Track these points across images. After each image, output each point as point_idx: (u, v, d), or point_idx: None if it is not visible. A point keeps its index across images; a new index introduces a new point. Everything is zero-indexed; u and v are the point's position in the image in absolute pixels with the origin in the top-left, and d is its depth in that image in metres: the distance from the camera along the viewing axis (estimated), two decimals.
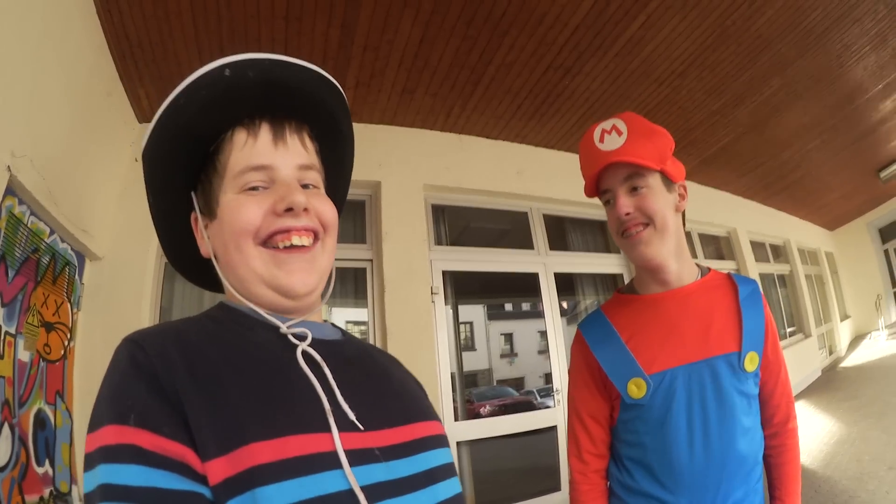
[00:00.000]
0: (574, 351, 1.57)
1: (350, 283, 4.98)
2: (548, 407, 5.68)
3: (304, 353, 0.85)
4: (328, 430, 0.75)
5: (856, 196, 15.43)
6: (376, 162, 5.04)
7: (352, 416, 0.80)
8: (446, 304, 5.19)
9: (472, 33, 4.24)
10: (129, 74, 3.91)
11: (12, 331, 2.46)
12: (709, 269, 1.59)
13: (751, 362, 1.40)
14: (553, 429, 5.39)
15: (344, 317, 5.44)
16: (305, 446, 0.71)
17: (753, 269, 10.12)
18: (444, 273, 5.18)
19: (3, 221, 2.40)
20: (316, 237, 0.93)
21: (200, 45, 3.78)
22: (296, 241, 0.89)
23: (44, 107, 2.65)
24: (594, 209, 6.60)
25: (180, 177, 0.96)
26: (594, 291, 6.73)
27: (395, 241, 4.88)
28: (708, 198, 9.52)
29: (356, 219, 5.11)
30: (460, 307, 5.39)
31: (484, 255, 5.53)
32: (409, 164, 5.20)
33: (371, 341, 4.47)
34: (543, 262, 5.84)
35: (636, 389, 1.39)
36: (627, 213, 1.42)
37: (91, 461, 0.65)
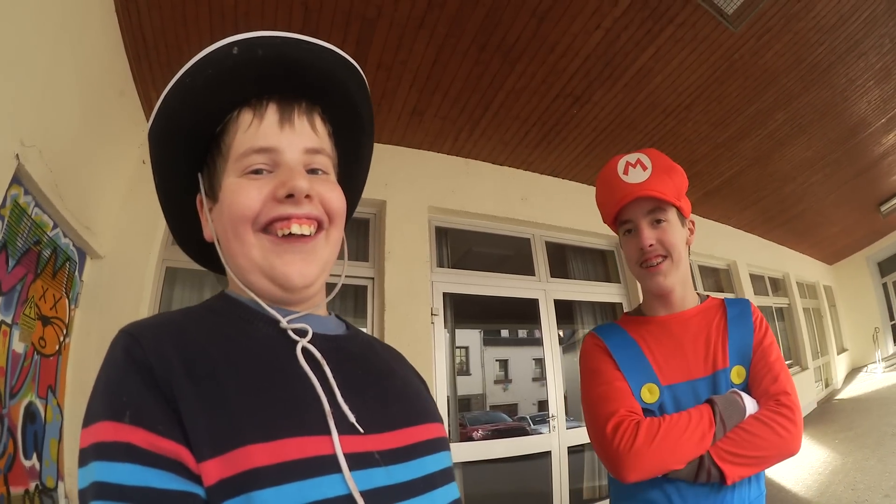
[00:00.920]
0: (590, 352, 1.67)
1: (350, 301, 5.07)
2: (541, 433, 5.78)
3: (304, 351, 0.83)
4: (328, 432, 0.74)
5: (856, 230, 15.64)
6: (383, 181, 5.15)
7: (352, 418, 0.78)
8: (445, 326, 5.29)
9: (485, 58, 4.41)
10: (143, 76, 3.99)
11: (9, 320, 2.45)
12: (707, 297, 1.75)
13: (737, 376, 1.52)
14: (547, 454, 5.49)
15: None
16: (304, 449, 0.70)
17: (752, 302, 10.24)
18: (445, 295, 5.30)
19: (8, 210, 2.39)
20: (320, 227, 0.90)
21: None
22: (295, 229, 0.86)
23: (56, 100, 2.66)
24: (595, 238, 6.83)
25: (187, 158, 0.95)
26: (592, 320, 6.86)
27: (398, 261, 4.98)
28: (709, 230, 9.71)
29: (359, 237, 5.23)
30: (457, 331, 5.45)
31: (485, 279, 5.66)
32: (415, 185, 5.34)
33: None
34: (544, 289, 5.98)
35: (649, 394, 1.51)
36: (651, 245, 1.56)
37: (85, 457, 0.66)
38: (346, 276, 4.81)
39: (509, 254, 6.20)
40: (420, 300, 4.98)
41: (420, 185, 5.38)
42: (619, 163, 1.63)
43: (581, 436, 5.67)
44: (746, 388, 1.53)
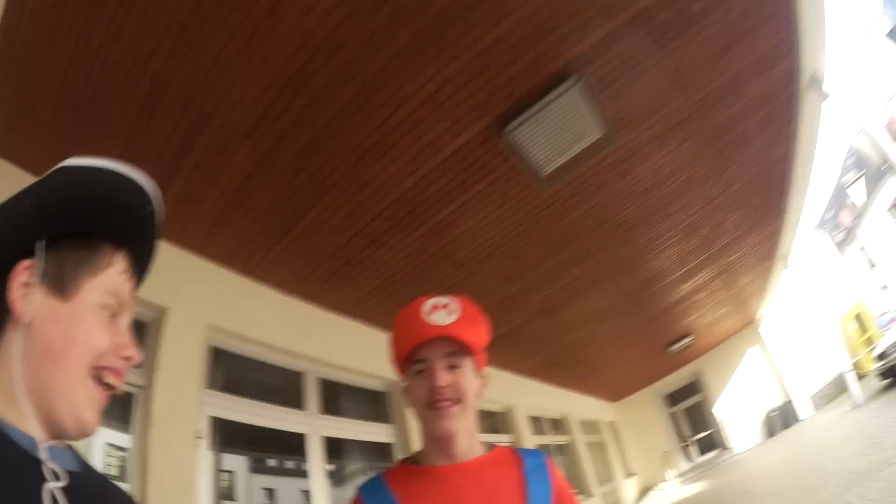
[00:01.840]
0: None
1: (116, 405, 4.58)
2: None
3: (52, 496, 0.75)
4: None
5: (642, 370, 17.13)
6: (169, 286, 4.78)
7: None
8: (211, 448, 4.92)
9: (297, 183, 4.34)
10: None
11: None
12: (493, 445, 1.67)
13: None
14: None
15: (105, 437, 4.95)
16: None
17: (530, 441, 10.62)
18: (212, 419, 4.93)
19: None
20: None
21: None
22: (114, 382, 0.89)
23: None
24: (369, 378, 6.83)
25: (44, 221, 0.89)
26: (361, 457, 6.75)
27: (170, 375, 4.58)
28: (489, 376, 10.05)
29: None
30: (224, 455, 5.16)
31: (255, 407, 5.34)
32: (199, 298, 4.98)
33: (130, 472, 4.10)
34: (313, 424, 5.81)
35: None
36: (443, 387, 1.50)
37: None
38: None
39: (282, 384, 5.95)
40: (187, 420, 4.55)
41: (204, 300, 5.00)
42: (426, 302, 1.61)
43: None
44: None
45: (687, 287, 10.86)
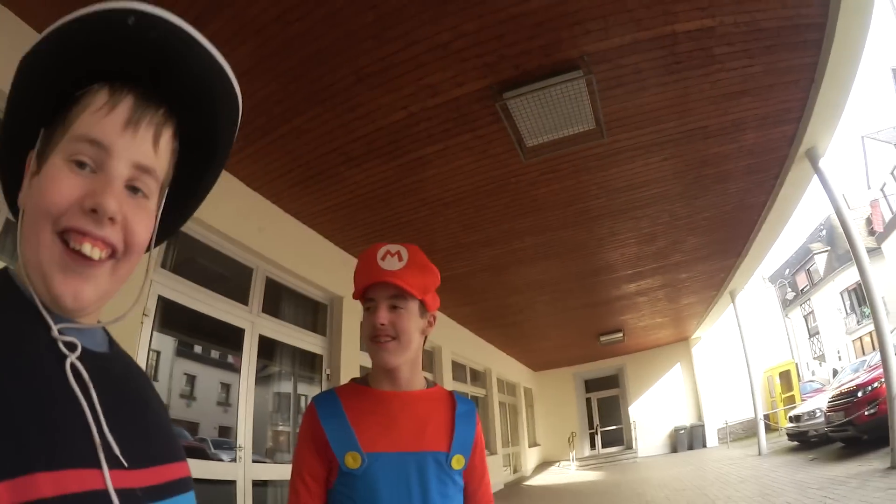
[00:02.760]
0: (304, 419, 1.78)
1: None
2: (221, 460, 5.57)
3: (73, 369, 0.72)
4: (97, 465, 0.67)
5: (570, 349, 17.52)
6: None
7: (117, 450, 0.72)
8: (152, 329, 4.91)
9: (292, 89, 4.32)
10: None
11: None
12: (435, 384, 1.88)
13: (457, 462, 1.70)
14: (231, 484, 5.31)
15: None
16: (82, 482, 0.65)
17: (449, 386, 10.73)
18: (159, 298, 4.95)
19: None
20: (113, 254, 0.79)
21: None
22: (86, 249, 0.75)
23: None
24: (315, 289, 6.89)
25: (44, 104, 0.83)
26: (291, 363, 6.86)
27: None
28: None
29: None
30: (155, 334, 5.12)
31: (202, 294, 5.34)
32: None
33: None
34: (252, 321, 5.84)
35: (352, 461, 1.63)
36: (382, 324, 1.66)
37: None
38: None
39: (230, 277, 5.94)
40: (135, 296, 4.53)
41: None
42: (380, 249, 1.75)
43: (268, 471, 5.66)
44: (460, 474, 1.74)
45: (631, 287, 11.12)
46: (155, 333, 4.94)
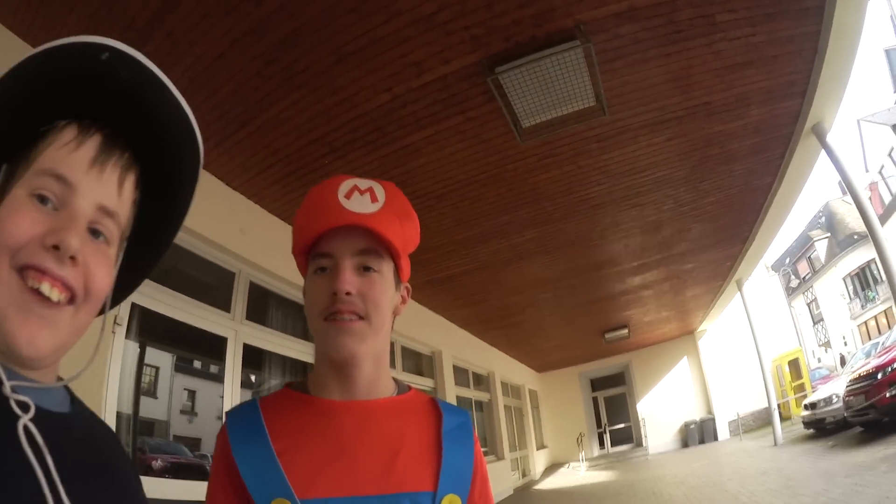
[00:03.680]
0: (217, 442, 1.17)
1: None
2: None
3: (27, 432, 0.66)
4: None
5: (574, 348, 17.18)
6: None
7: None
8: (132, 339, 4.65)
9: (267, 73, 3.99)
10: None
11: None
12: (409, 388, 1.27)
13: None
14: None
15: None
16: None
17: (451, 391, 10.53)
18: (134, 306, 4.55)
19: None
20: (72, 299, 0.73)
21: None
22: (44, 288, 0.70)
23: None
24: (300, 292, 6.51)
25: (6, 141, 0.78)
26: (280, 373, 6.54)
27: None
28: (422, 316, 9.75)
29: None
30: (149, 349, 4.83)
31: (180, 301, 4.97)
32: None
33: None
34: (235, 329, 5.50)
35: None
36: (349, 294, 1.08)
37: None
38: None
39: (211, 282, 5.59)
40: (94, 346, 4.13)
41: None
42: (343, 182, 1.16)
43: None
44: None
45: (636, 281, 10.79)
46: (150, 348, 4.65)
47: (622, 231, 7.88)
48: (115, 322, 4.31)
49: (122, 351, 4.47)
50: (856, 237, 30.95)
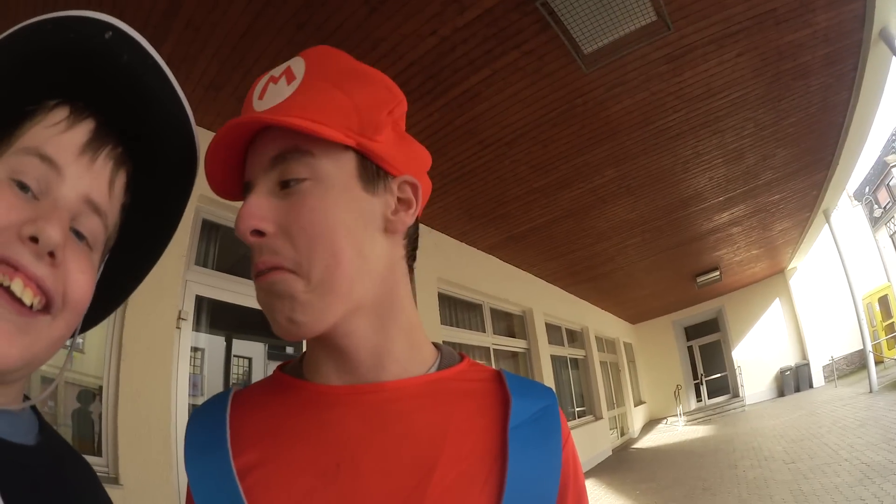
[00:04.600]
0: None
1: None
2: None
3: None
4: None
5: (666, 295, 16.55)
6: None
7: None
8: (218, 332, 4.68)
9: (300, 39, 3.79)
10: None
11: None
12: (462, 357, 0.86)
13: None
14: None
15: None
16: None
17: (546, 351, 10.24)
18: (199, 298, 4.49)
19: None
20: (48, 307, 0.62)
21: None
22: (16, 287, 0.58)
23: None
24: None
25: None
26: None
27: None
28: (508, 274, 9.47)
29: None
30: (235, 341, 4.82)
31: (242, 286, 4.76)
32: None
33: (105, 360, 3.66)
34: None
35: None
36: (258, 234, 0.69)
37: None
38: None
39: None
40: (166, 300, 4.05)
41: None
42: (258, 81, 0.79)
43: None
44: None
45: (723, 217, 10.24)
46: (237, 341, 4.63)
47: (705, 162, 7.42)
48: (179, 317, 4.18)
49: (189, 346, 4.33)
50: None
